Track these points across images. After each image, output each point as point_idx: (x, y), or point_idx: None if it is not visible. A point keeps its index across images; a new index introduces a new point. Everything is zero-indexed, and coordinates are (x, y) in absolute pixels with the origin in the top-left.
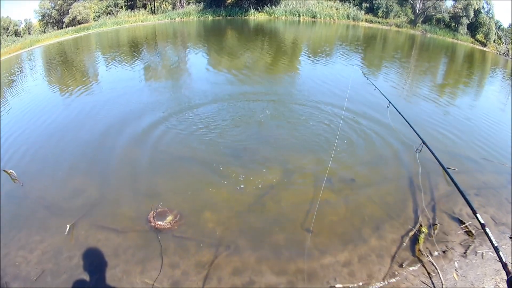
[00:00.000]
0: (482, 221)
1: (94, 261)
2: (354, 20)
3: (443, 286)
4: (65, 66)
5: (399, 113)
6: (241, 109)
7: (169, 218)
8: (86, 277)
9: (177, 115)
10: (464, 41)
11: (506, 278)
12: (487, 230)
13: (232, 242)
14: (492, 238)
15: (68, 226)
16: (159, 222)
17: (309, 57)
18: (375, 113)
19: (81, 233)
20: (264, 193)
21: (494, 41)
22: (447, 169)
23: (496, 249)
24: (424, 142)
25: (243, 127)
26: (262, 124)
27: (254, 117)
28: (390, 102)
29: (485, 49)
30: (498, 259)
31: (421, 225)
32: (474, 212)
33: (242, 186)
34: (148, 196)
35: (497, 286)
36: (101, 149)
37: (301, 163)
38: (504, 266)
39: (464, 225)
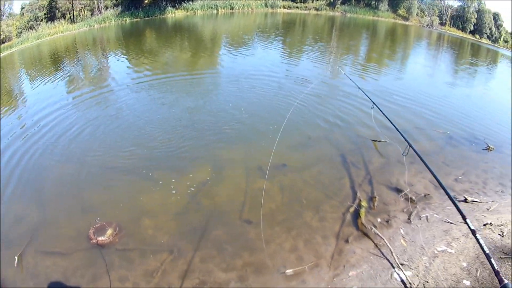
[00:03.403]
0: (472, 227)
1: None
2: (272, 7)
3: (393, 254)
4: None
5: (384, 114)
6: (165, 112)
7: (109, 232)
8: None
9: (101, 125)
10: (385, 18)
11: (499, 286)
12: (478, 236)
13: (174, 245)
14: (483, 245)
15: (16, 258)
16: (100, 238)
17: (229, 49)
18: (298, 97)
19: (30, 262)
20: (198, 191)
21: (417, 14)
22: (433, 172)
23: (487, 256)
24: (410, 145)
25: (168, 130)
26: (187, 124)
27: (178, 118)
28: (374, 103)
29: (407, 23)
30: (449, 222)
31: (360, 200)
32: (464, 218)
33: (175, 187)
34: (85, 212)
35: (450, 246)
36: (32, 170)
37: (230, 156)
38: (497, 273)
39: (403, 193)
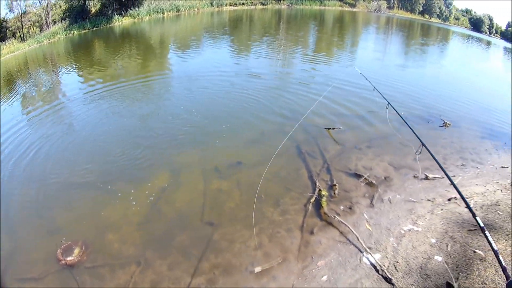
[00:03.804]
0: (481, 225)
1: None
2: (218, 6)
3: (360, 239)
4: None
5: (398, 114)
6: (117, 122)
7: (76, 251)
8: None
9: (55, 142)
10: (332, 6)
11: (506, 282)
12: (487, 233)
13: (141, 256)
14: (491, 241)
15: None
16: (68, 258)
17: (177, 52)
18: (251, 94)
19: None
20: (157, 199)
21: (363, 0)
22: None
23: (495, 253)
24: (423, 144)
25: (122, 140)
26: (140, 132)
27: (131, 127)
28: (389, 103)
29: (354, 9)
30: (412, 201)
31: (320, 190)
32: (474, 216)
33: (134, 198)
34: (51, 233)
35: (416, 224)
36: None
37: (186, 160)
38: (504, 270)
39: (363, 178)
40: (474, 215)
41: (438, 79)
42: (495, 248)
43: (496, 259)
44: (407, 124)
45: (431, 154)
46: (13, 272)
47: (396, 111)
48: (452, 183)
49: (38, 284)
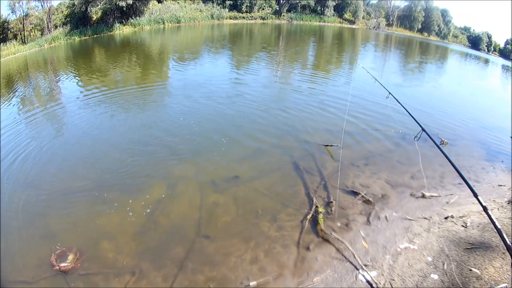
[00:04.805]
0: (484, 204)
1: None
2: (218, 19)
3: (356, 256)
4: None
5: (398, 101)
6: (115, 130)
7: (70, 257)
8: None
9: (51, 148)
10: (331, 23)
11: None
12: (490, 212)
13: (135, 267)
14: (495, 220)
15: None
16: (62, 264)
17: (177, 63)
18: (252, 106)
19: None
20: (153, 210)
21: (363, 17)
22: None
23: (499, 232)
24: (423, 129)
25: (119, 148)
26: (138, 142)
27: (129, 136)
28: (390, 93)
29: (353, 26)
30: (408, 219)
31: (317, 206)
32: (476, 195)
33: (131, 208)
34: (45, 239)
35: (412, 242)
36: None
37: (183, 172)
38: (508, 248)
39: (360, 195)
40: (475, 195)
41: (436, 97)
42: (499, 227)
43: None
44: (406, 110)
45: (432, 139)
46: (5, 275)
47: (396, 99)
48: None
49: (31, 287)
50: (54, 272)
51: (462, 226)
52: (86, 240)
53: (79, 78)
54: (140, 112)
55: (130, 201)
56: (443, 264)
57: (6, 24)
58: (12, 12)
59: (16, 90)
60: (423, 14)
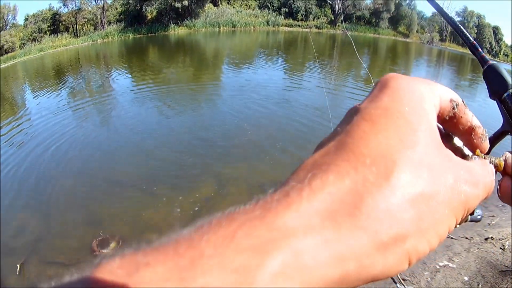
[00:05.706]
0: None
1: None
2: (274, 25)
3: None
4: None
5: None
6: (167, 128)
7: (113, 244)
8: None
9: (102, 139)
10: (386, 35)
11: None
12: None
13: None
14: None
15: (18, 266)
16: (103, 250)
17: (232, 66)
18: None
19: (32, 271)
20: (201, 208)
21: (417, 31)
22: None
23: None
24: None
25: (171, 146)
26: (190, 140)
27: (182, 134)
28: None
29: (407, 40)
30: (450, 237)
31: None
32: None
33: (178, 203)
34: (88, 224)
35: (451, 260)
36: (37, 182)
37: (233, 174)
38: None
39: None
40: None
41: (482, 114)
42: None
43: None
44: None
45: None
46: (41, 254)
47: None
48: None
49: (66, 269)
50: (92, 257)
51: (500, 248)
52: (130, 230)
53: (132, 75)
54: (192, 110)
55: (180, 197)
56: (478, 285)
57: (57, 16)
58: (64, 5)
59: (66, 82)
60: (476, 31)
